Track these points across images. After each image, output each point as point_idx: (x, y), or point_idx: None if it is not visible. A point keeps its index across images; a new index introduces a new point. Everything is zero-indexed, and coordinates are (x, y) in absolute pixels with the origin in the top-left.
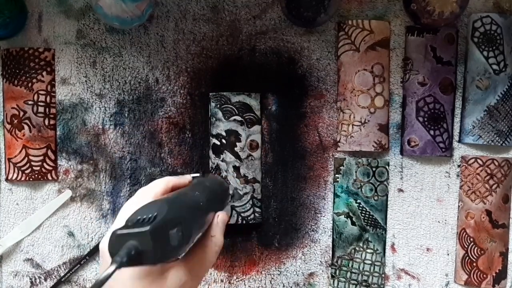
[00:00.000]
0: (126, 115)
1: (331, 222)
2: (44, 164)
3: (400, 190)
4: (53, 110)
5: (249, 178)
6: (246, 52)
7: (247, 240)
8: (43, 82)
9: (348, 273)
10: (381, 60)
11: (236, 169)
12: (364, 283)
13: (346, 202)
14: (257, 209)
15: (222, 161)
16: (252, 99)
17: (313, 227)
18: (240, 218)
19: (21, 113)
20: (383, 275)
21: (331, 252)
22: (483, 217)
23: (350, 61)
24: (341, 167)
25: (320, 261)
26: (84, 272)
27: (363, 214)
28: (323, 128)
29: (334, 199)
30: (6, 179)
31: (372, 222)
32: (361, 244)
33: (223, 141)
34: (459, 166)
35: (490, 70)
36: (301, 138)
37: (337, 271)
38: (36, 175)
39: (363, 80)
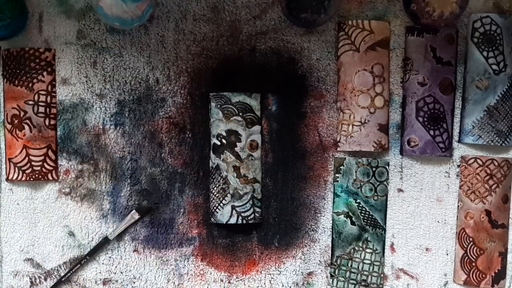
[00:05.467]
0: (127, 115)
1: (331, 221)
2: (45, 164)
3: (400, 190)
4: (53, 110)
5: (249, 178)
6: (246, 52)
7: (247, 240)
8: (44, 82)
9: (347, 273)
10: (381, 60)
11: (236, 169)
12: (363, 283)
13: (346, 202)
14: (257, 209)
15: (222, 161)
16: (252, 99)
17: (312, 226)
18: (240, 218)
19: (22, 113)
20: (382, 275)
21: (330, 252)
22: (483, 217)
23: (350, 61)
24: (341, 167)
25: (320, 261)
26: (84, 272)
27: (362, 214)
28: (323, 128)
29: (334, 198)
30: (7, 179)
31: (372, 222)
32: (360, 244)
33: (223, 141)
34: (458, 166)
35: (490, 70)
36: (301, 138)
37: (336, 271)
38: (36, 175)
39: (363, 80)
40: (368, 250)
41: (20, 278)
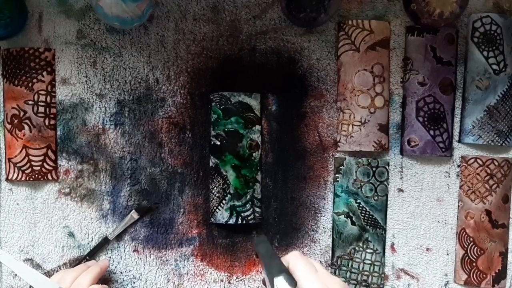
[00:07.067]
0: (126, 115)
1: (331, 222)
2: (45, 164)
3: (400, 190)
4: (53, 110)
5: (249, 178)
6: (246, 52)
7: (247, 240)
8: (44, 82)
9: (348, 273)
10: (381, 60)
11: (236, 169)
12: (363, 283)
13: (346, 202)
14: (257, 209)
15: (222, 161)
16: (252, 99)
17: (313, 227)
18: (240, 218)
19: (22, 113)
20: (382, 275)
21: (331, 252)
22: (483, 217)
23: (350, 61)
24: (341, 167)
25: (320, 261)
26: None
27: (363, 214)
28: (323, 128)
29: (334, 199)
30: (7, 179)
31: (372, 222)
32: (360, 244)
33: (224, 141)
34: (459, 166)
35: (490, 70)
36: (301, 138)
37: (337, 271)
38: (36, 175)
39: (363, 80)
40: (368, 250)
41: (20, 278)
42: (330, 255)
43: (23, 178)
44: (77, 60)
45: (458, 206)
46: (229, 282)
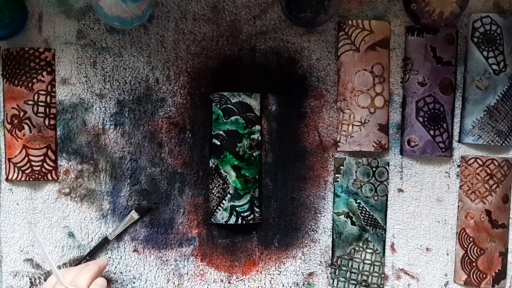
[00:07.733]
0: (126, 115)
1: (331, 222)
2: (44, 164)
3: (400, 190)
4: (53, 110)
5: (249, 178)
6: (246, 52)
7: (247, 240)
8: (43, 82)
9: (348, 273)
10: (381, 60)
11: (236, 169)
12: (363, 283)
13: (346, 202)
14: (257, 209)
15: (222, 161)
16: (252, 99)
17: (313, 227)
18: (240, 218)
19: (21, 113)
20: (382, 275)
21: (330, 252)
22: (483, 217)
23: (350, 61)
24: (341, 167)
25: (320, 261)
26: None
27: (363, 214)
28: (323, 128)
29: (334, 199)
30: (6, 179)
31: (372, 222)
32: (360, 244)
33: (224, 141)
34: (459, 166)
35: (490, 70)
36: (301, 138)
37: (337, 271)
38: (36, 175)
39: (363, 80)
40: (368, 250)
41: (20, 278)
42: (330, 255)
43: (23, 178)
44: (77, 60)
45: (458, 206)
46: (229, 282)
